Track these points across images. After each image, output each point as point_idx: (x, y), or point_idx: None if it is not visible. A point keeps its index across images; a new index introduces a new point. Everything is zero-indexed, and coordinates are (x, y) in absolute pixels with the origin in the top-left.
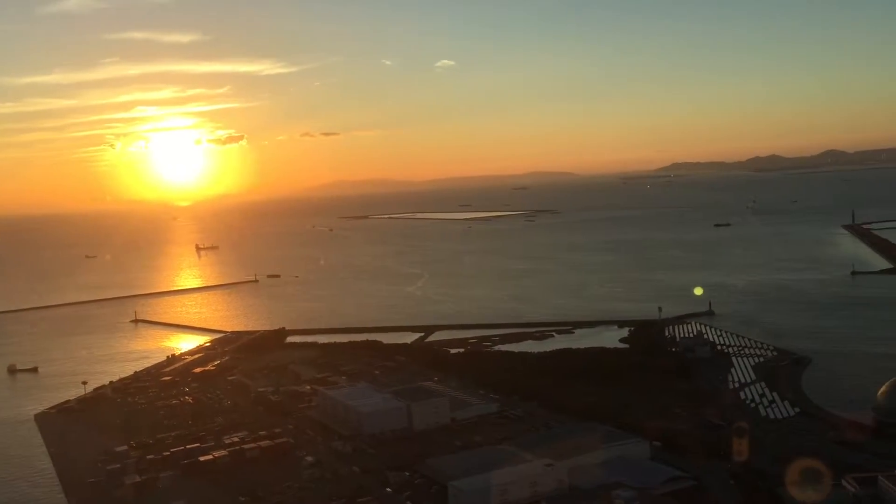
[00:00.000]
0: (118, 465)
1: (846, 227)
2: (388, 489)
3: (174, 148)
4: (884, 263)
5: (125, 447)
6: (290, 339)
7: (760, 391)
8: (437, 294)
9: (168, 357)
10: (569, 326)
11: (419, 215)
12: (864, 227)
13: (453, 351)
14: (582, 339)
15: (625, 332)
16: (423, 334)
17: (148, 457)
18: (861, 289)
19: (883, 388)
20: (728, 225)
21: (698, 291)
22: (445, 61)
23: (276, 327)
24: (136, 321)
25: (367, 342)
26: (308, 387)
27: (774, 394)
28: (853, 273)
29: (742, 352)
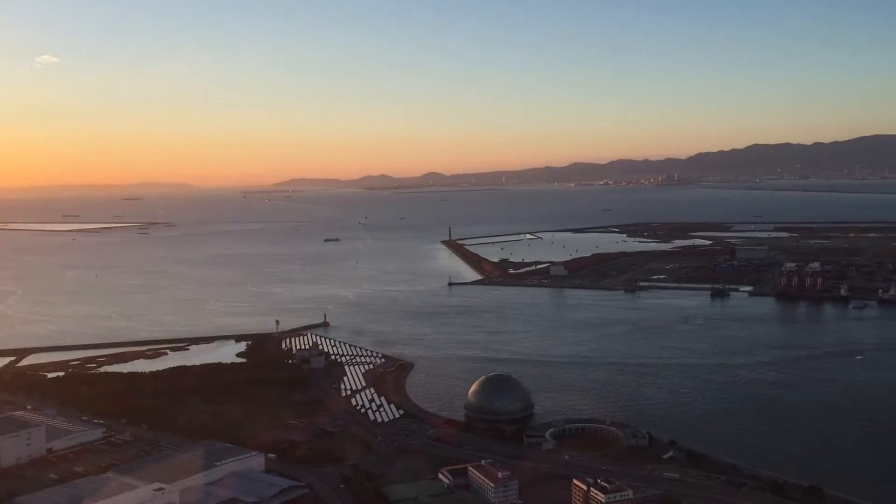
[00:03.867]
0: None
1: (444, 242)
2: None
3: None
4: (474, 275)
5: None
6: None
7: (370, 396)
8: (33, 313)
9: None
10: (184, 343)
11: (12, 226)
12: (459, 242)
13: (51, 375)
14: (197, 356)
15: (242, 346)
16: (14, 358)
17: None
18: (456, 298)
19: (472, 388)
20: (337, 240)
21: None
22: (47, 57)
23: None
24: None
25: None
26: None
27: (382, 398)
28: (450, 284)
29: (354, 360)
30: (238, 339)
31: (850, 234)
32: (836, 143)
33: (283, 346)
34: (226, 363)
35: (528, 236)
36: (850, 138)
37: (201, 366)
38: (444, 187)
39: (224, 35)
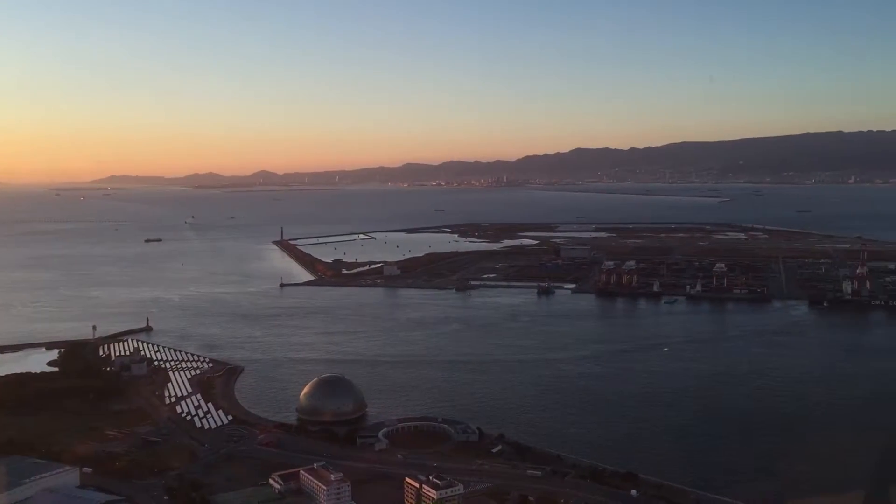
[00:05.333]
0: None
1: (276, 242)
2: None
3: None
4: (307, 276)
5: None
6: None
7: (196, 403)
8: None
9: None
10: None
11: None
12: (291, 242)
13: None
14: (3, 366)
15: (54, 354)
16: None
17: None
18: (288, 299)
19: (304, 390)
20: (159, 240)
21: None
22: None
23: None
24: None
25: None
26: None
27: (209, 404)
28: (281, 285)
29: (179, 366)
30: (49, 346)
31: (662, 235)
32: (649, 148)
33: (101, 352)
34: (35, 373)
35: (362, 236)
36: (662, 144)
37: (5, 377)
38: (276, 186)
39: (27, 26)
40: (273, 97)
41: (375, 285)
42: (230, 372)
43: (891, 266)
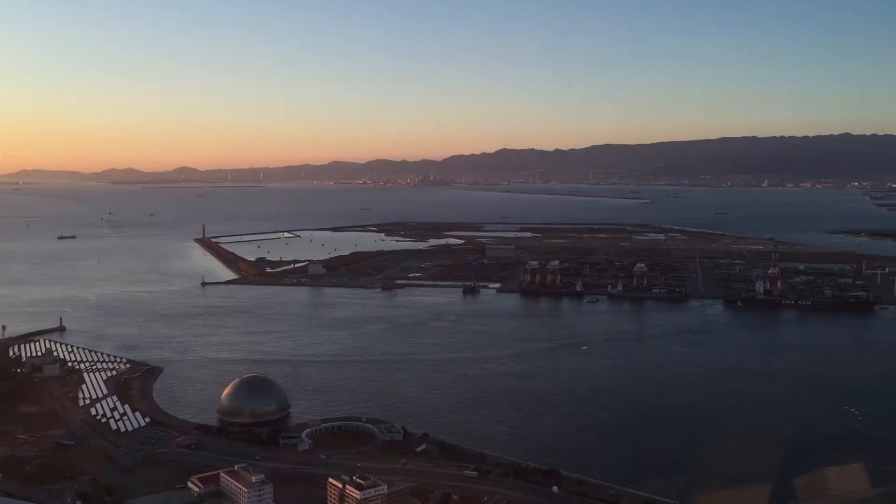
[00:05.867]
0: None
1: (197, 240)
2: None
3: None
4: (230, 274)
5: None
6: None
7: (112, 405)
8: None
9: None
10: None
11: None
12: (213, 240)
13: None
14: None
15: None
16: None
17: None
18: (209, 298)
19: (225, 391)
20: (73, 237)
21: None
22: None
23: None
24: None
25: None
26: None
27: (126, 406)
28: (203, 284)
29: (95, 367)
30: None
31: (585, 235)
32: (573, 150)
33: (11, 353)
34: None
35: (287, 234)
36: (585, 147)
37: None
38: (198, 183)
39: None
40: (195, 91)
41: (300, 284)
42: (148, 373)
43: (800, 267)
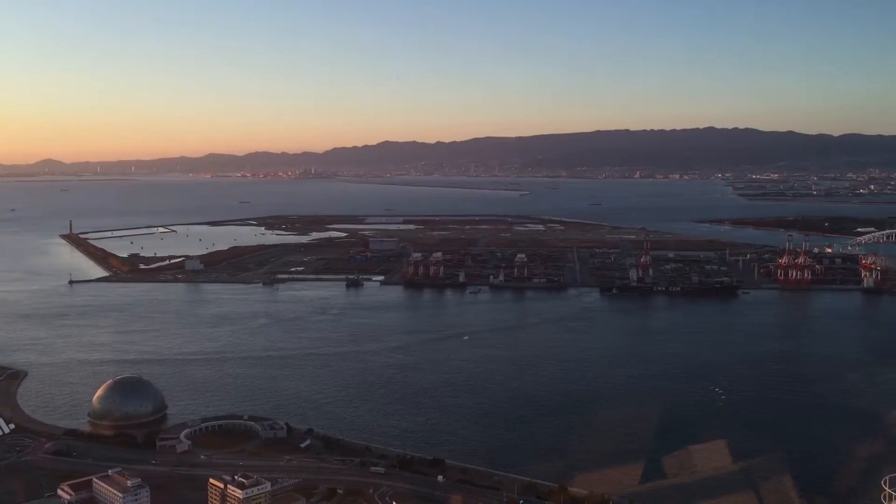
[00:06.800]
0: None
1: (64, 236)
2: None
3: None
4: (100, 272)
5: None
6: None
7: None
8: None
9: None
10: None
11: None
12: (82, 236)
13: None
14: None
15: None
16: None
17: None
18: (78, 297)
19: (97, 393)
20: None
21: None
22: None
23: None
24: None
25: None
26: None
27: None
28: (71, 282)
29: None
30: None
31: (467, 227)
32: (454, 143)
33: None
34: None
35: (162, 229)
36: (467, 139)
37: None
38: (63, 176)
39: None
40: (60, 78)
41: (176, 281)
42: (12, 377)
43: (670, 255)
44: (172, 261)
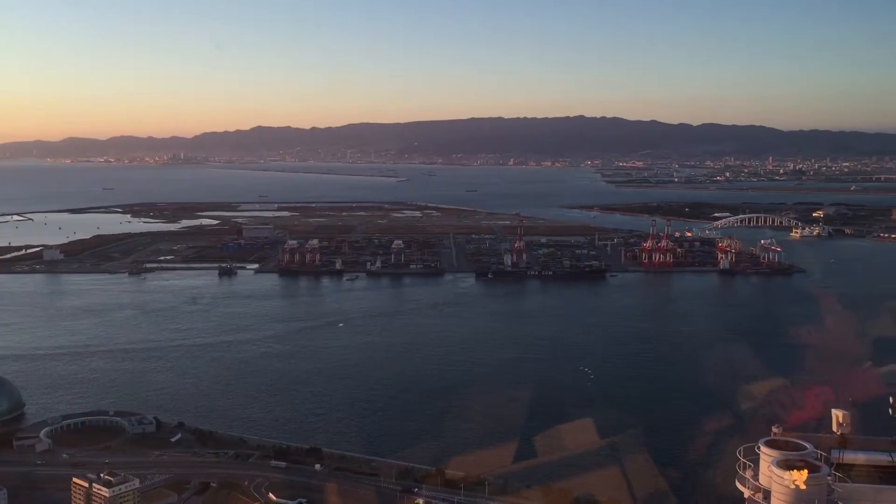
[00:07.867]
0: None
1: None
2: None
3: None
4: None
5: None
6: None
7: None
8: None
9: None
10: None
11: None
12: None
13: None
14: None
15: None
16: None
17: None
18: None
19: None
20: None
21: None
22: None
23: None
24: None
25: None
26: None
27: None
28: None
29: None
30: None
31: (344, 213)
32: (330, 128)
33: None
34: None
35: (17, 217)
36: (342, 125)
37: None
38: None
39: None
40: None
41: (34, 272)
42: None
43: (543, 240)
44: (29, 250)
